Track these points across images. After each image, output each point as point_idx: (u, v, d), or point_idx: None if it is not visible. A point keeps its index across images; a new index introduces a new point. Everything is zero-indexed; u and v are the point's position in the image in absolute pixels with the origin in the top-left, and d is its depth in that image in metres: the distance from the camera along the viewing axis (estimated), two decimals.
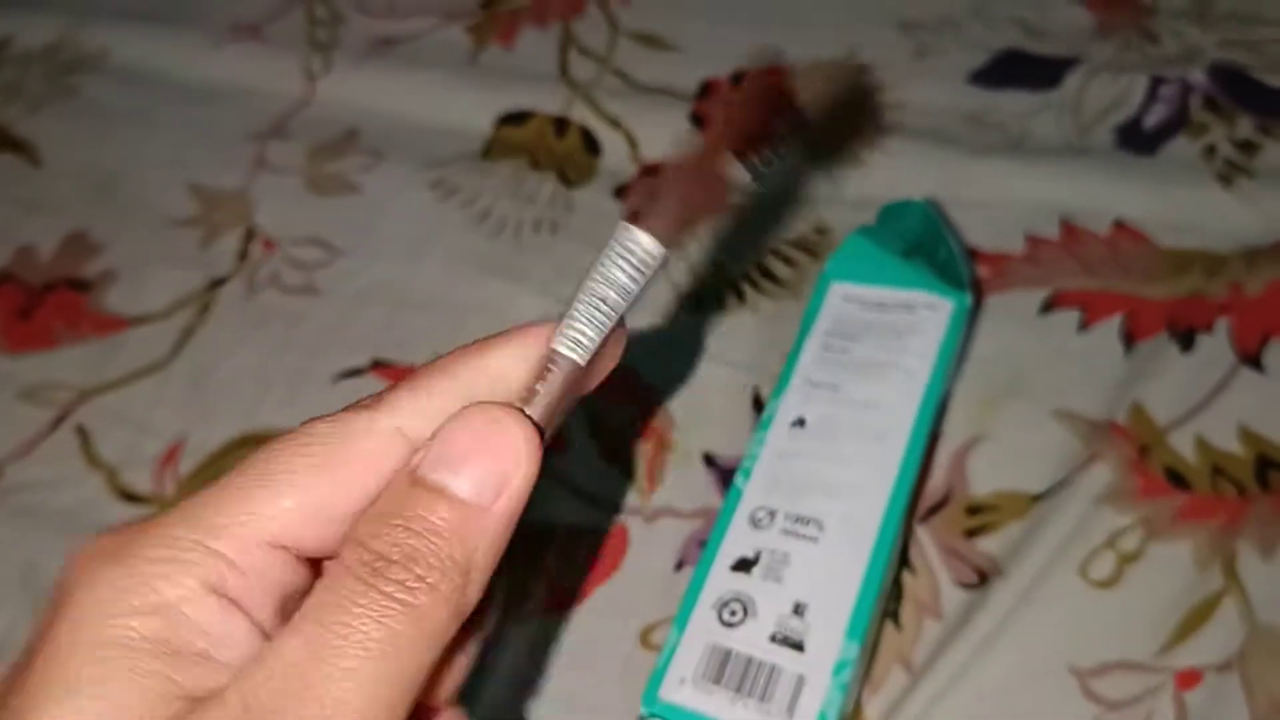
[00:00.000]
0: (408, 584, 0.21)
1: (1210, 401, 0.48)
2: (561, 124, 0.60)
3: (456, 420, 0.23)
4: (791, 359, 0.45)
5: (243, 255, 0.57)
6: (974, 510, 0.46)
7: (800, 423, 0.42)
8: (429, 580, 0.21)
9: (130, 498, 0.50)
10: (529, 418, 0.23)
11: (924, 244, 0.48)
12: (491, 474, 0.22)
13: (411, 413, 0.23)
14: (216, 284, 0.56)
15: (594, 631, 0.44)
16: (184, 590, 0.21)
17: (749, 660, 0.37)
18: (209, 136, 0.62)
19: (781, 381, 0.45)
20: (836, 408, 0.42)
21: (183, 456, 0.51)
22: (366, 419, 0.23)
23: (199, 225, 0.58)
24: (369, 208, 0.58)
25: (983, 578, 0.45)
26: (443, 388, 0.24)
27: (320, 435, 0.23)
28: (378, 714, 0.20)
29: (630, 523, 0.47)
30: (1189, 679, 0.42)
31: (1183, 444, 0.47)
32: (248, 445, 0.50)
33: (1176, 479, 0.46)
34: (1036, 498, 0.46)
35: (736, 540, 0.40)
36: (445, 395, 0.24)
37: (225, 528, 0.22)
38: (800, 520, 0.39)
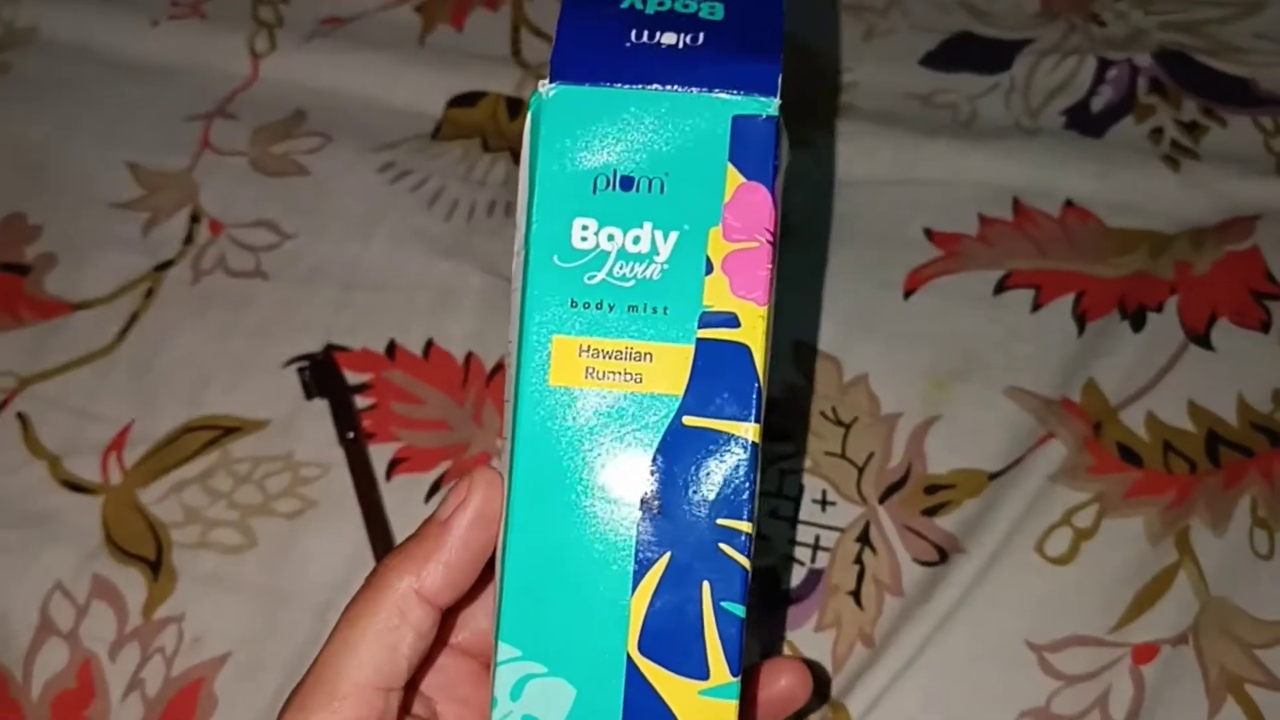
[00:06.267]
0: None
1: (1160, 379, 0.49)
2: (514, 104, 0.59)
3: None
4: None
5: (188, 238, 0.56)
6: (932, 489, 0.47)
7: None
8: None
9: (75, 487, 0.49)
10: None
11: None
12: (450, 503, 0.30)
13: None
14: (162, 267, 0.55)
15: None
16: None
17: None
18: (149, 116, 0.60)
19: None
20: None
21: (128, 445, 0.50)
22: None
23: (142, 207, 0.57)
24: (317, 189, 0.57)
25: (942, 555, 0.45)
26: None
27: None
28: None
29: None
30: (1145, 653, 0.42)
31: (1134, 421, 0.48)
32: (193, 433, 0.49)
33: (1129, 455, 0.47)
34: (993, 475, 0.47)
35: None
36: None
37: None
38: None
